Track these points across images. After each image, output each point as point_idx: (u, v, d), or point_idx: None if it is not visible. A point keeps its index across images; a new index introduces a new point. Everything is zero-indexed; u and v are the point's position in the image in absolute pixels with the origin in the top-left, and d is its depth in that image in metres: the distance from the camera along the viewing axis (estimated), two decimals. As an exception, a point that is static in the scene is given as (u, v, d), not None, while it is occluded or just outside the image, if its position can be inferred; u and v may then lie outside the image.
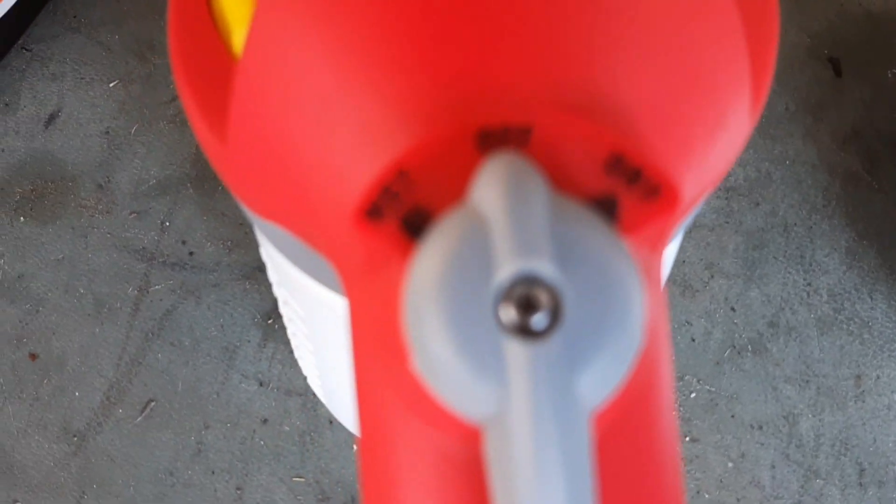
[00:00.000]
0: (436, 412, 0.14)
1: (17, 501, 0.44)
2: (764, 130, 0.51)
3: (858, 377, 0.47)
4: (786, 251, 0.49)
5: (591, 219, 0.14)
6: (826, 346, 0.47)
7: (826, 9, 0.53)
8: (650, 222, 0.14)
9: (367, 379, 0.15)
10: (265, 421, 0.45)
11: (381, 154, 0.15)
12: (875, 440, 0.46)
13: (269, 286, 0.46)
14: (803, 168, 0.50)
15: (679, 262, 0.48)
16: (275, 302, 0.46)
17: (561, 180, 0.14)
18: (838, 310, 0.48)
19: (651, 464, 0.15)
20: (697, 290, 0.48)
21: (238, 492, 0.44)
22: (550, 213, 0.13)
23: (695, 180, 0.16)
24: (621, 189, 0.14)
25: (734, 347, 0.47)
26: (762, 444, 0.46)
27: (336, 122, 0.15)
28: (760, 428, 0.46)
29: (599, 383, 0.13)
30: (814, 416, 0.46)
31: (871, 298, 0.48)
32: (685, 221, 0.20)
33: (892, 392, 0.47)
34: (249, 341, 0.46)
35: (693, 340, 0.47)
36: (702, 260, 0.48)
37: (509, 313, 0.13)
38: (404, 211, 0.14)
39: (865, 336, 0.48)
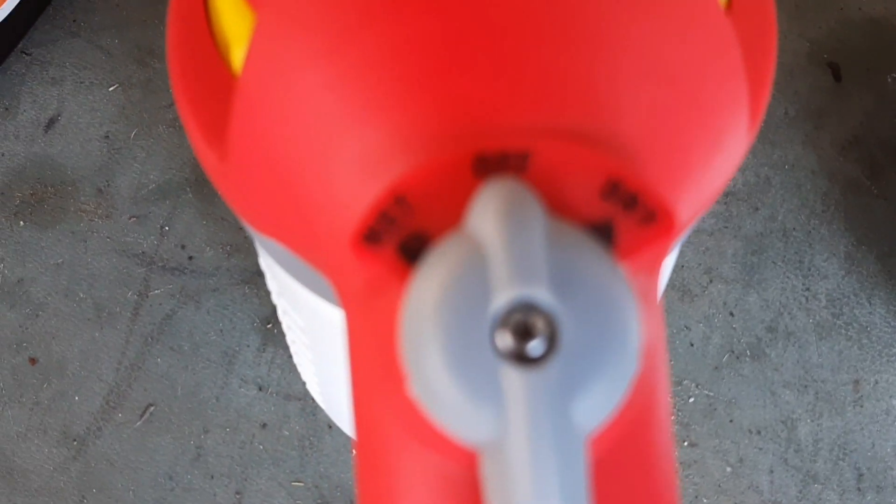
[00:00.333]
0: (433, 436, 0.14)
1: (17, 506, 0.44)
2: (763, 136, 0.51)
3: (857, 382, 0.47)
4: (785, 256, 0.49)
5: (588, 244, 0.14)
6: (825, 351, 0.47)
7: (826, 15, 0.53)
8: (647, 247, 0.14)
9: (364, 400, 0.15)
10: (264, 425, 0.45)
11: (380, 179, 0.15)
12: (873, 445, 0.46)
13: (268, 291, 0.46)
14: (803, 173, 0.50)
15: (678, 267, 0.48)
16: (274, 307, 0.46)
17: (558, 206, 0.14)
18: (837, 315, 0.48)
19: (648, 485, 0.15)
20: (696, 295, 0.48)
21: (237, 496, 0.44)
22: (547, 240, 0.13)
23: (691, 202, 0.16)
24: (618, 214, 0.14)
25: (733, 352, 0.47)
26: (761, 449, 0.46)
27: (334, 146, 0.15)
28: (759, 433, 0.46)
29: (596, 408, 0.13)
30: (812, 421, 0.46)
31: (870, 304, 0.48)
32: (682, 238, 0.20)
33: (891, 397, 0.47)
34: (249, 346, 0.46)
35: (692, 345, 0.47)
36: (700, 265, 0.48)
37: (506, 340, 0.13)
38: (402, 236, 0.14)
39: (864, 341, 0.48)
